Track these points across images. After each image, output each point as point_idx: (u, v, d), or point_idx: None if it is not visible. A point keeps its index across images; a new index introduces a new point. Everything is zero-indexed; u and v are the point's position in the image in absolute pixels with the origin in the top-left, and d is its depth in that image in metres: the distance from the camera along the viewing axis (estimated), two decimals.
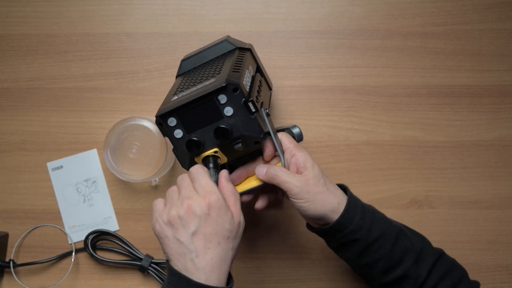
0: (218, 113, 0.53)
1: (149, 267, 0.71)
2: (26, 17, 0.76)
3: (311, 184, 0.53)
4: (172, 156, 0.72)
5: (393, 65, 0.75)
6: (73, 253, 0.72)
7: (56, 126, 0.75)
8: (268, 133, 0.55)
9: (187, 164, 0.57)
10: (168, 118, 0.54)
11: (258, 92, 0.59)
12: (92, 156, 0.75)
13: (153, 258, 0.71)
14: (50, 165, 0.75)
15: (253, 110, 0.53)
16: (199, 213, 0.48)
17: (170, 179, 0.74)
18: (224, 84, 0.51)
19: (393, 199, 0.73)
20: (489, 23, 0.75)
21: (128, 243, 0.72)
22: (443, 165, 0.74)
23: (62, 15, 0.76)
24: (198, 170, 0.53)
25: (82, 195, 0.75)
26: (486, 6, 0.75)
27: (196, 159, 0.56)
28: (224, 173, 0.55)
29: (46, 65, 0.76)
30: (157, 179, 0.72)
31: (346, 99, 0.74)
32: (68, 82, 0.76)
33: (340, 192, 0.55)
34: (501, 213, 0.73)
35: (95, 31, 0.76)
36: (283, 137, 0.57)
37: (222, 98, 0.52)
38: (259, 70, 0.66)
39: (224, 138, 0.53)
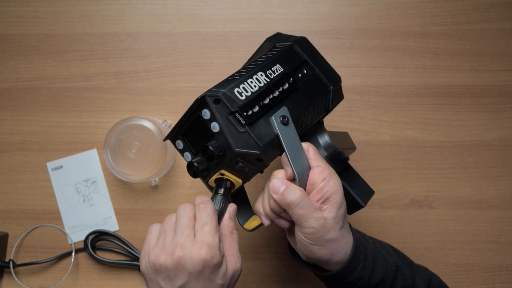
0: (209, 131, 0.47)
1: None
2: (26, 17, 0.76)
3: (328, 227, 0.45)
4: (172, 156, 0.72)
5: (393, 65, 0.75)
6: (73, 253, 0.72)
7: (56, 126, 0.75)
8: (276, 145, 0.47)
9: (210, 190, 0.52)
10: (175, 141, 0.51)
11: (285, 94, 0.50)
12: (92, 156, 0.75)
13: None
14: (50, 165, 0.75)
15: (243, 121, 0.46)
16: (190, 269, 0.43)
17: (170, 179, 0.74)
18: (200, 98, 0.46)
19: (393, 199, 0.73)
20: (489, 23, 0.75)
21: (128, 243, 0.72)
22: (443, 165, 0.74)
23: (61, 15, 0.76)
24: (205, 207, 0.46)
25: (82, 195, 0.75)
26: (486, 6, 0.75)
27: (210, 183, 0.51)
28: (230, 208, 0.49)
29: (46, 65, 0.76)
30: (157, 179, 0.72)
31: (346, 99, 0.74)
32: (68, 82, 0.76)
33: (350, 238, 0.48)
34: (501, 213, 0.73)
35: (95, 31, 0.76)
36: (310, 151, 0.48)
37: (205, 114, 0.46)
38: (306, 66, 0.54)
39: (210, 159, 0.46)
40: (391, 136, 0.74)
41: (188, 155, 0.51)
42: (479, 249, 0.73)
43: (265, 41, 0.58)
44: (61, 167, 0.75)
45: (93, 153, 0.75)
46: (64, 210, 0.74)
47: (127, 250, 0.72)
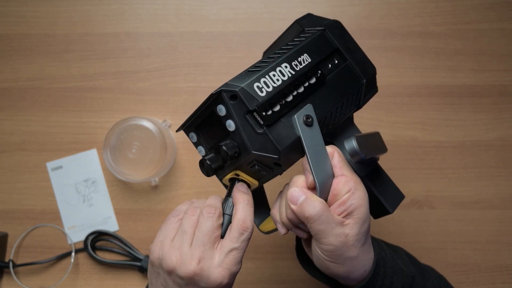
0: (224, 128, 0.42)
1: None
2: (26, 16, 0.76)
3: (349, 245, 0.42)
4: (172, 156, 0.72)
5: (393, 65, 0.75)
6: (73, 253, 0.72)
7: (56, 126, 0.75)
8: (295, 148, 0.42)
9: (225, 187, 0.48)
10: (189, 133, 0.47)
11: (312, 90, 0.44)
12: (91, 156, 0.75)
13: None
14: (50, 165, 0.75)
15: (261, 122, 0.41)
16: (203, 286, 0.42)
17: (170, 179, 0.74)
18: (215, 93, 0.41)
19: None
20: (489, 23, 0.75)
21: (127, 243, 0.72)
22: (443, 165, 0.74)
23: (61, 15, 0.76)
24: (209, 216, 0.43)
25: (82, 195, 0.75)
26: (486, 6, 0.75)
27: (224, 181, 0.48)
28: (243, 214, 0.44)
29: (46, 65, 0.76)
30: (157, 179, 0.72)
31: None
32: (68, 82, 0.76)
33: (371, 254, 0.45)
34: (502, 213, 0.73)
35: (95, 31, 0.76)
36: (335, 157, 0.43)
37: (220, 110, 0.42)
38: (337, 56, 0.47)
39: (224, 160, 0.42)
40: (391, 136, 0.74)
41: (201, 149, 0.47)
42: (479, 249, 0.73)
43: (294, 23, 0.51)
44: (61, 167, 0.75)
45: (93, 153, 0.75)
46: (64, 210, 0.74)
47: (127, 250, 0.72)
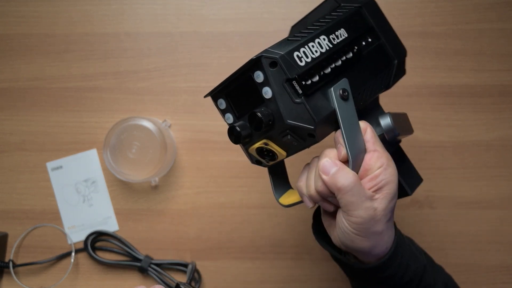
0: (259, 95, 0.42)
1: (149, 268, 0.71)
2: (26, 16, 0.76)
3: (377, 219, 0.42)
4: (172, 156, 0.72)
5: None
6: (73, 253, 0.72)
7: (56, 126, 0.75)
8: (331, 121, 0.42)
9: (249, 157, 0.48)
10: (218, 99, 0.46)
11: (348, 64, 0.44)
12: (91, 156, 0.75)
13: (152, 259, 0.71)
14: (50, 165, 0.75)
15: (300, 91, 0.41)
16: None
17: (170, 179, 0.74)
18: (255, 58, 0.41)
19: None
20: (489, 23, 0.75)
21: (127, 243, 0.72)
22: (443, 165, 0.74)
23: (61, 15, 0.76)
24: None
25: (82, 195, 0.75)
26: (486, 6, 0.75)
27: (250, 151, 0.47)
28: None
29: (46, 65, 0.76)
30: (157, 179, 0.72)
31: None
32: (68, 82, 0.76)
33: (393, 231, 0.45)
34: (502, 213, 0.73)
35: (95, 30, 0.76)
36: (368, 132, 0.44)
37: (258, 76, 0.41)
38: (371, 34, 0.48)
39: (257, 128, 0.41)
40: None
41: (230, 116, 0.46)
42: (480, 249, 0.73)
43: None
44: (61, 167, 0.75)
45: (93, 153, 0.75)
46: (64, 210, 0.74)
47: (127, 250, 0.72)
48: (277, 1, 0.76)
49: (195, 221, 0.74)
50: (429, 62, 0.75)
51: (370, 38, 0.47)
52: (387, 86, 0.49)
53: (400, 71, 0.50)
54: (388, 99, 0.74)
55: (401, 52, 0.49)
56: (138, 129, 0.69)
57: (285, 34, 0.75)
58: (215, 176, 0.74)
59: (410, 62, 0.75)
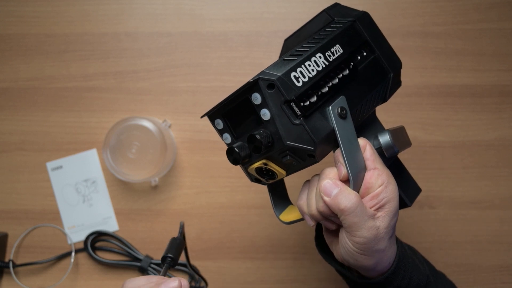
0: (258, 117, 0.42)
1: (149, 268, 0.71)
2: (25, 16, 0.76)
3: (380, 237, 0.42)
4: (172, 156, 0.72)
5: None
6: (73, 254, 0.72)
7: (56, 126, 0.75)
8: (330, 140, 0.42)
9: (248, 176, 0.48)
10: (215, 119, 0.46)
11: (345, 81, 0.44)
12: (91, 156, 0.75)
13: (152, 259, 0.71)
14: (50, 165, 0.75)
15: (298, 112, 0.40)
16: None
17: (170, 179, 0.74)
18: (252, 81, 0.40)
19: None
20: (490, 23, 0.75)
21: (127, 243, 0.72)
22: (443, 165, 0.74)
23: (61, 15, 0.76)
24: None
25: (82, 195, 0.74)
26: (487, 6, 0.75)
27: (249, 170, 0.47)
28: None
29: (45, 65, 0.76)
30: (157, 179, 0.72)
31: None
32: (68, 82, 0.76)
33: (394, 246, 0.45)
34: (502, 213, 0.73)
35: (94, 30, 0.76)
36: (368, 150, 0.43)
37: (256, 98, 0.41)
38: (366, 48, 0.48)
39: (257, 150, 0.41)
40: None
41: (227, 136, 0.46)
42: (480, 249, 0.73)
43: (322, 12, 0.50)
44: (61, 167, 0.75)
45: (93, 153, 0.75)
46: (63, 210, 0.74)
47: (126, 250, 0.72)
48: (277, 1, 0.76)
49: (195, 221, 0.74)
50: (429, 62, 0.75)
51: (365, 52, 0.47)
52: (384, 99, 0.49)
53: (396, 84, 0.50)
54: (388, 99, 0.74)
55: (397, 65, 0.49)
56: (138, 129, 0.69)
57: (285, 34, 0.75)
58: (215, 176, 0.74)
59: (410, 62, 0.75)
